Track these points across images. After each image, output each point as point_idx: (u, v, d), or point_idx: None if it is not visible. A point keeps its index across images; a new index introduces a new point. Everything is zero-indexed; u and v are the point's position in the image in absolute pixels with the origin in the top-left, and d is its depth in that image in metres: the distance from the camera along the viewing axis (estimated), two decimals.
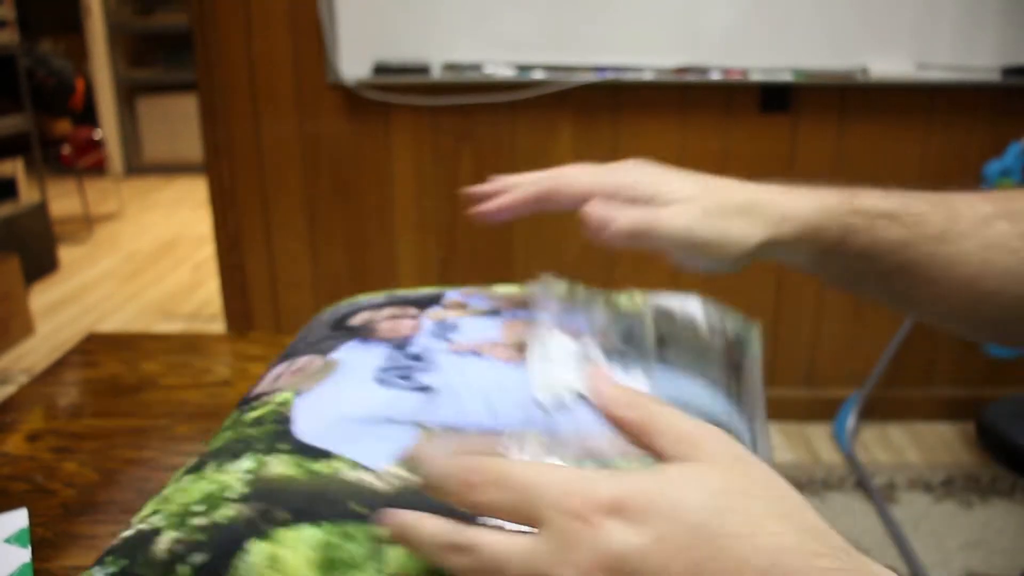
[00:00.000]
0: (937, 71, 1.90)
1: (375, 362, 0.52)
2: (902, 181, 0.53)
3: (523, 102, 2.00)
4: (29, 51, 3.67)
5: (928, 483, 1.92)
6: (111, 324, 3.06)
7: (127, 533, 0.44)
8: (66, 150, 4.10)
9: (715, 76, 1.93)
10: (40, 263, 3.49)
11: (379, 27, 1.95)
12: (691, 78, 1.94)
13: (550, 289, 0.59)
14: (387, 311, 0.61)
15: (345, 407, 0.49)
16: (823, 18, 1.90)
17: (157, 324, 3.05)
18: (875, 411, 2.20)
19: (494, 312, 0.58)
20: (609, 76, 1.94)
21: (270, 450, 0.47)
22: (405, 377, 0.50)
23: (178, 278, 3.55)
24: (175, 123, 5.34)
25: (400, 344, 0.54)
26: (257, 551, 0.41)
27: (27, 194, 3.45)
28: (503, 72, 1.96)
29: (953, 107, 1.99)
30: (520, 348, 0.52)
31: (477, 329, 0.55)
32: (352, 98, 2.02)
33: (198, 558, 0.41)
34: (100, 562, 0.43)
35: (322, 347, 0.57)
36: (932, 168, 2.02)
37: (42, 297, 3.32)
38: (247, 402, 0.54)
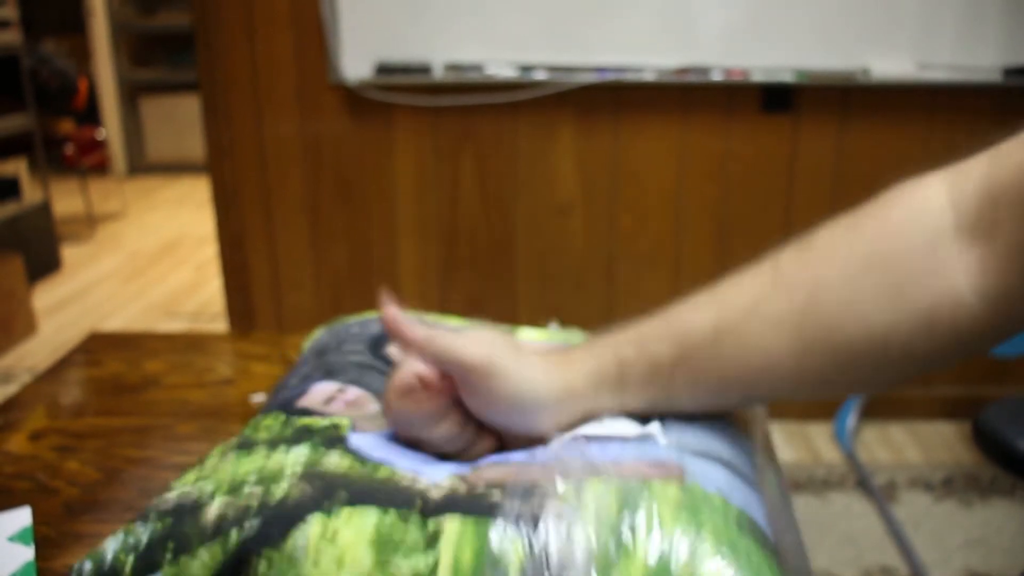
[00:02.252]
0: (938, 71, 1.90)
1: None
2: (903, 181, 0.52)
3: (524, 102, 2.00)
4: (32, 51, 3.68)
5: (928, 482, 1.92)
6: (114, 323, 3.07)
7: (170, 496, 0.45)
8: (69, 150, 4.11)
9: (716, 76, 1.93)
10: (43, 262, 3.50)
11: (381, 27, 1.96)
12: (692, 78, 1.94)
13: (561, 335, 0.63)
14: None
15: (402, 450, 0.51)
16: (824, 18, 1.90)
17: (160, 323, 3.06)
18: (876, 410, 2.20)
19: None
20: (610, 76, 1.94)
21: (328, 446, 0.48)
22: None
23: (180, 277, 3.55)
24: (178, 123, 5.35)
25: None
26: (316, 523, 0.42)
27: (30, 194, 3.46)
28: (504, 72, 1.96)
29: (954, 107, 1.99)
30: None
31: None
32: (354, 98, 2.02)
33: (252, 524, 0.42)
34: (143, 518, 0.43)
35: (372, 385, 0.59)
36: (933, 168, 2.02)
37: (45, 296, 3.32)
38: (294, 411, 0.55)
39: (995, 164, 0.49)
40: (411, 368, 0.50)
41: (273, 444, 0.49)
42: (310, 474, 0.45)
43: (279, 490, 0.44)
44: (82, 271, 3.65)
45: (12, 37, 3.28)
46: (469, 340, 0.50)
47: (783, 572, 0.42)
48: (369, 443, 0.50)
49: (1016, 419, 1.26)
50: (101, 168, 4.57)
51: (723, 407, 0.54)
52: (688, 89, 1.99)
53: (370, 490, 0.44)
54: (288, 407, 0.55)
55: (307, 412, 0.54)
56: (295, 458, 0.47)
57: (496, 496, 0.43)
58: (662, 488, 0.43)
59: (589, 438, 0.49)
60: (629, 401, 0.52)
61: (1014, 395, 1.34)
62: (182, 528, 0.43)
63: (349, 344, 0.64)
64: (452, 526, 0.42)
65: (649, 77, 1.94)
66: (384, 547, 0.41)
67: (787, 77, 1.93)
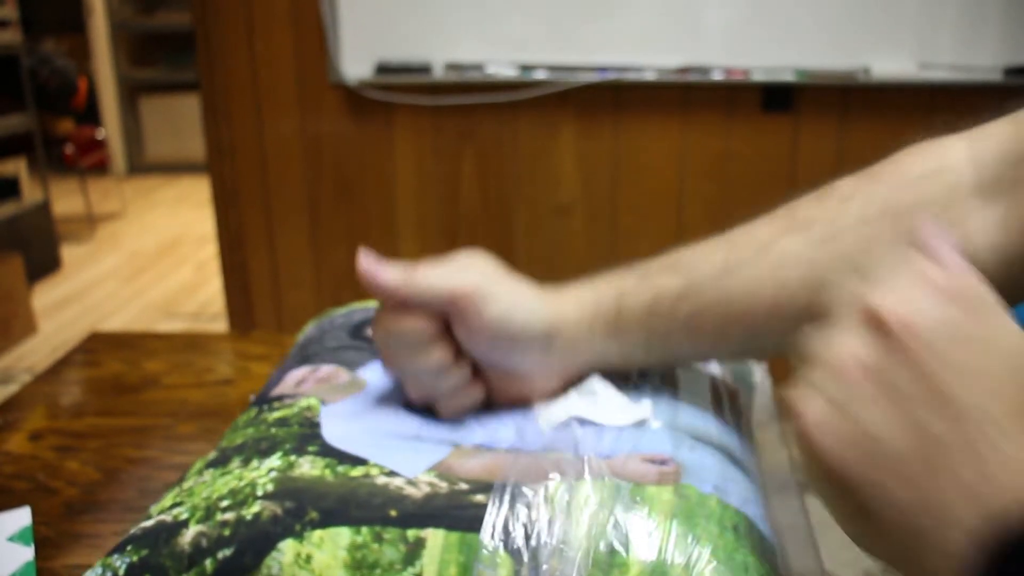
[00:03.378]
0: (939, 71, 1.90)
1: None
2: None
3: (525, 102, 2.00)
4: (32, 50, 3.68)
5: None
6: (113, 323, 3.07)
7: (148, 523, 0.44)
8: (69, 149, 4.11)
9: (717, 76, 1.93)
10: (43, 262, 3.50)
11: (381, 27, 1.96)
12: (693, 78, 1.94)
13: None
14: None
15: (375, 422, 0.49)
16: (825, 18, 1.90)
17: (159, 323, 3.06)
18: None
19: None
20: (611, 76, 1.94)
21: (299, 451, 0.47)
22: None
23: (180, 277, 3.55)
24: (177, 122, 5.35)
25: None
26: (289, 550, 0.41)
27: (30, 193, 3.46)
28: (505, 72, 1.96)
29: (955, 107, 1.99)
30: None
31: None
32: (354, 98, 2.02)
33: (225, 553, 0.42)
34: (119, 550, 0.43)
35: (345, 358, 0.57)
36: None
37: (45, 296, 3.32)
38: (267, 401, 0.54)
39: (1019, 124, 0.47)
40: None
41: (246, 458, 0.47)
42: (281, 491, 0.44)
43: (251, 512, 0.43)
44: (82, 271, 3.65)
45: (12, 37, 3.28)
46: (454, 268, 0.47)
47: (787, 568, 0.41)
48: (342, 424, 0.48)
49: None
50: (101, 168, 4.56)
51: (721, 355, 0.52)
52: (689, 88, 1.99)
53: (343, 500, 0.43)
54: (262, 401, 0.55)
55: (280, 398, 0.53)
56: (266, 471, 0.46)
57: (480, 497, 0.42)
58: (656, 492, 0.42)
59: (581, 422, 0.47)
60: (625, 341, 0.49)
61: None
62: (158, 559, 0.42)
63: (331, 333, 0.63)
64: (435, 541, 0.40)
65: (650, 76, 1.93)
66: (359, 569, 0.40)
67: (788, 76, 1.93)
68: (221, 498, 0.44)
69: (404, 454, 0.45)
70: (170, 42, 5.32)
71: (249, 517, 0.43)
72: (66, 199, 4.43)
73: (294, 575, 0.41)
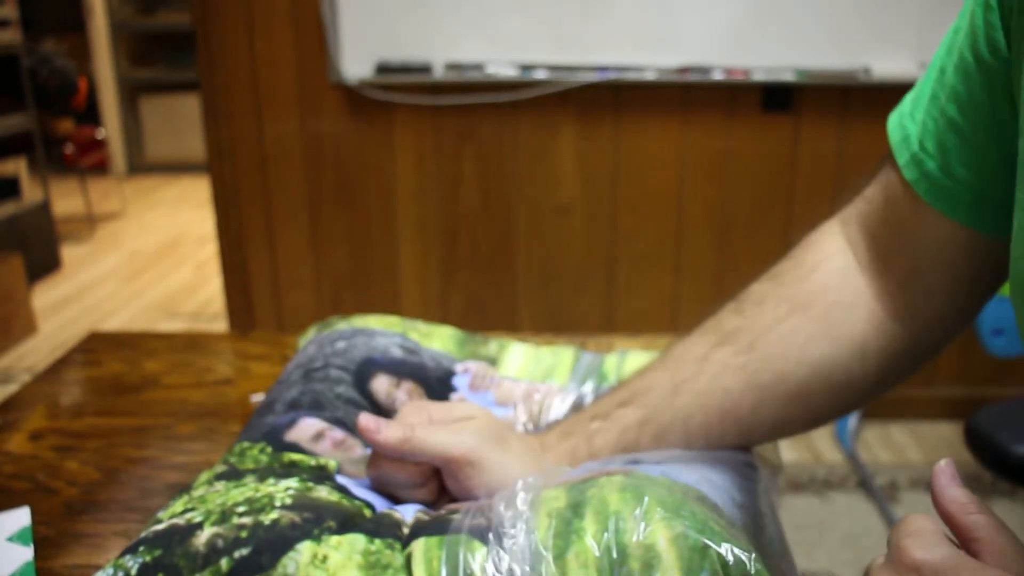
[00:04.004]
0: None
1: None
2: None
3: (525, 102, 2.00)
4: (32, 50, 3.68)
5: (930, 483, 1.91)
6: (113, 323, 3.07)
7: (159, 527, 0.45)
8: (69, 149, 4.11)
9: (717, 76, 1.93)
10: (43, 262, 3.50)
11: (381, 26, 1.96)
12: (693, 78, 1.94)
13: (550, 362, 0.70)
14: (405, 389, 0.66)
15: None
16: (825, 18, 1.90)
17: (159, 323, 3.06)
18: (877, 411, 2.20)
19: (503, 406, 0.66)
20: (611, 76, 1.94)
21: (317, 481, 0.50)
22: None
23: (180, 277, 3.55)
24: (177, 122, 5.35)
25: None
26: (306, 550, 0.43)
27: (30, 193, 3.46)
28: (505, 72, 1.96)
29: None
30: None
31: None
32: (354, 97, 2.02)
33: (242, 552, 0.42)
34: (131, 551, 0.44)
35: (353, 419, 0.59)
36: None
37: (44, 296, 3.32)
38: (281, 446, 0.56)
39: (864, 202, 0.53)
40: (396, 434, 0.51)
41: (262, 475, 0.50)
42: (300, 504, 0.46)
43: (269, 518, 0.44)
44: (82, 271, 3.65)
45: (12, 36, 3.27)
46: (450, 433, 0.52)
47: (744, 540, 0.42)
48: (353, 484, 0.53)
49: (1007, 424, 1.25)
50: (101, 168, 4.56)
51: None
52: (689, 88, 1.99)
53: (357, 520, 0.46)
54: (275, 440, 0.57)
55: (295, 448, 0.56)
56: (284, 488, 0.48)
57: (456, 516, 0.46)
58: (608, 478, 0.45)
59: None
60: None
61: (1005, 399, 1.34)
62: (172, 558, 0.43)
63: (335, 367, 0.65)
64: (418, 546, 0.43)
65: (650, 76, 1.93)
66: (372, 571, 0.42)
67: (788, 77, 1.93)
68: (237, 505, 0.46)
69: (401, 507, 0.51)
70: (170, 42, 5.32)
71: (267, 522, 0.44)
72: (66, 199, 4.43)
73: (309, 575, 0.42)
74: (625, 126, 2.03)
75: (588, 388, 0.67)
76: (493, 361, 0.73)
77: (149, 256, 3.85)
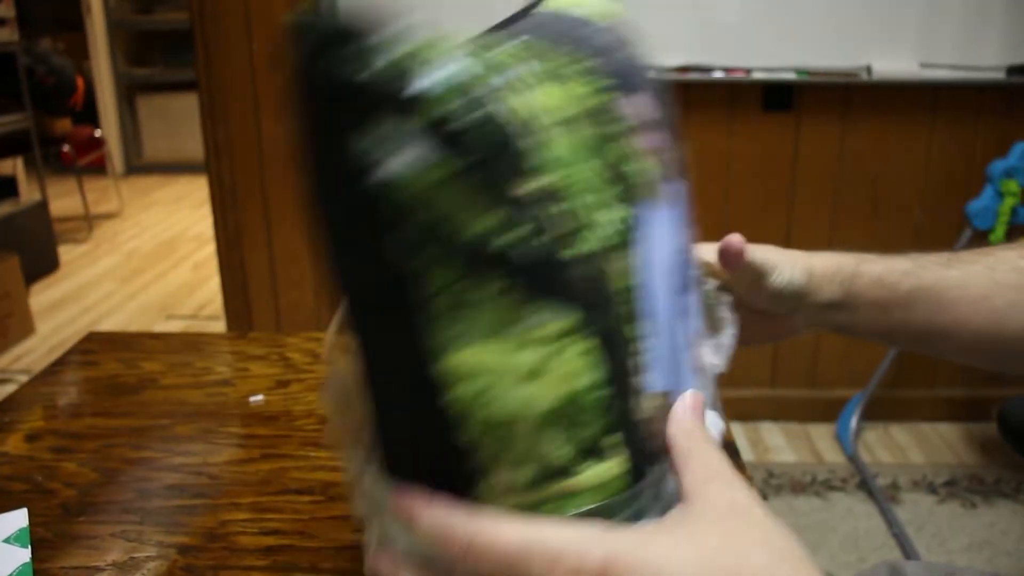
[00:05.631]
0: (941, 70, 1.89)
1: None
2: (906, 180, 0.54)
3: None
4: (29, 49, 3.67)
5: (931, 484, 1.91)
6: (111, 323, 3.06)
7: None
8: (66, 149, 4.10)
9: (718, 75, 1.93)
10: (40, 262, 3.49)
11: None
12: (694, 77, 1.93)
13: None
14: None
15: (664, 275, 0.44)
16: (826, 17, 1.89)
17: (157, 323, 3.05)
18: (878, 412, 2.19)
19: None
20: None
21: (634, 237, 0.40)
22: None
23: (178, 277, 3.54)
24: (175, 121, 5.34)
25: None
26: (565, 323, 0.35)
27: (27, 193, 3.45)
28: None
29: (957, 106, 1.98)
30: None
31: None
32: None
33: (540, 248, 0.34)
34: (468, 48, 0.37)
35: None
36: (936, 168, 2.01)
37: (42, 296, 3.31)
38: (615, 106, 0.44)
39: None
40: None
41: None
42: (606, 264, 0.37)
43: (587, 247, 0.36)
44: (79, 271, 3.64)
45: (9, 35, 3.27)
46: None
47: None
48: (658, 246, 0.43)
49: None
50: (98, 167, 4.55)
51: (928, 344, 0.60)
52: (689, 88, 1.98)
53: (616, 345, 0.37)
54: (615, 94, 0.45)
55: (624, 122, 0.45)
56: (619, 218, 0.38)
57: None
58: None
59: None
60: (853, 304, 0.58)
61: (1006, 399, 1.34)
62: (474, 115, 0.33)
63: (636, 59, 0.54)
64: (614, 468, 0.37)
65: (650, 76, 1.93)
66: (566, 412, 0.35)
67: (789, 76, 1.92)
68: (581, 191, 0.37)
69: (661, 354, 0.42)
70: (168, 41, 5.31)
71: (586, 251, 0.36)
72: (63, 199, 4.42)
73: (539, 342, 0.35)
74: None
75: None
76: None
77: (147, 256, 3.84)
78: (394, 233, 0.32)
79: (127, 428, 0.72)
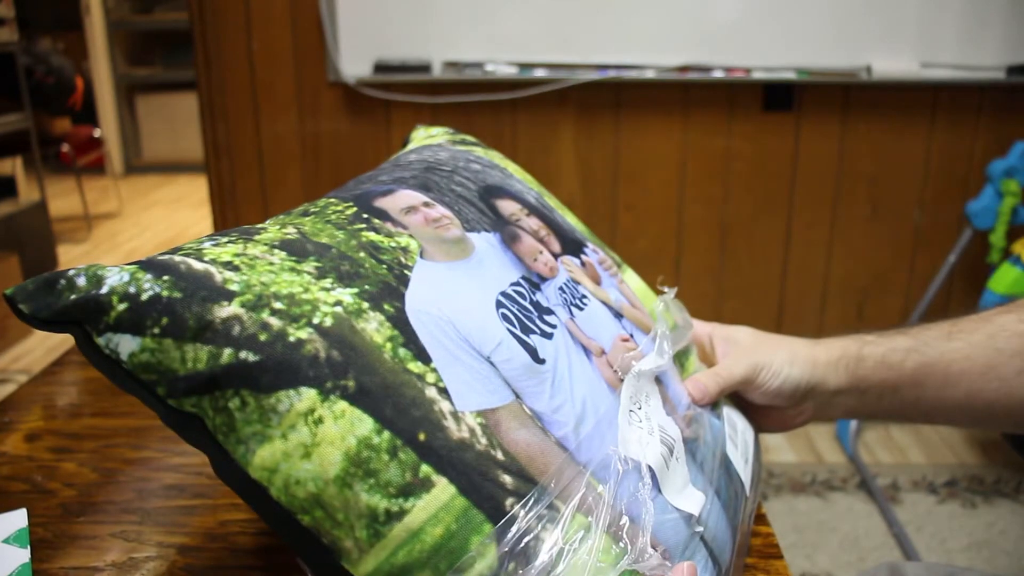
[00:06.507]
0: (941, 70, 1.89)
1: (505, 280, 0.49)
2: (906, 180, 0.54)
3: (524, 100, 1.99)
4: (28, 49, 3.66)
5: (931, 484, 1.91)
6: None
7: (196, 264, 0.42)
8: (65, 149, 4.09)
9: (718, 74, 1.93)
10: (39, 262, 3.48)
11: (380, 25, 1.95)
12: (693, 76, 1.93)
13: (665, 315, 0.61)
14: (535, 222, 0.57)
15: (463, 313, 0.45)
16: (827, 16, 1.89)
17: None
18: None
19: (617, 315, 0.56)
20: (611, 74, 1.93)
21: (375, 302, 0.43)
22: (524, 325, 0.47)
23: None
24: (175, 121, 5.34)
25: (532, 281, 0.51)
26: (307, 399, 0.39)
27: (26, 193, 3.44)
28: (504, 70, 1.95)
29: (957, 106, 1.98)
30: (621, 376, 0.50)
31: (597, 324, 0.53)
32: (353, 96, 2.01)
33: (248, 357, 0.39)
34: (155, 273, 0.42)
35: (465, 214, 0.53)
36: (936, 168, 2.01)
37: None
38: (368, 208, 0.49)
39: None
40: None
41: (324, 269, 0.43)
42: (336, 336, 0.40)
43: (295, 336, 0.39)
44: None
45: (8, 35, 3.26)
46: (739, 357, 0.60)
47: None
48: (430, 294, 0.45)
49: None
50: (97, 167, 4.55)
51: (941, 415, 0.60)
52: (689, 87, 1.98)
53: (381, 395, 0.39)
54: (363, 203, 0.50)
55: (382, 214, 0.49)
56: (334, 301, 0.41)
57: (507, 480, 0.40)
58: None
59: (634, 471, 0.46)
60: (861, 388, 0.58)
61: None
62: (185, 310, 0.39)
63: (461, 175, 0.57)
64: (441, 493, 0.39)
65: (650, 75, 1.93)
66: (355, 468, 0.38)
67: (789, 75, 1.92)
68: (279, 296, 0.41)
69: (466, 377, 0.43)
70: (167, 41, 5.31)
71: (292, 339, 0.40)
72: (63, 199, 4.41)
73: (294, 425, 0.39)
74: (625, 125, 2.03)
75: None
76: (619, 265, 0.64)
77: (146, 256, 3.83)
78: (151, 389, 0.41)
79: (126, 428, 0.72)
